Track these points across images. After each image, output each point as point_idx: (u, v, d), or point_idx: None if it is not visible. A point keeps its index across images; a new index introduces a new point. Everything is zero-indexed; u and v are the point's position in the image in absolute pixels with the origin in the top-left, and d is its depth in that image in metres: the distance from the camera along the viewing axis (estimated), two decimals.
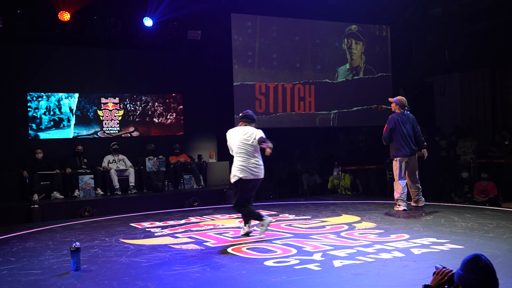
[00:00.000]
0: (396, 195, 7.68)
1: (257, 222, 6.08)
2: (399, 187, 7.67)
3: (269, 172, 12.65)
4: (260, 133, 5.98)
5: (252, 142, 5.93)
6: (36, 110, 10.81)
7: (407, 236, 5.65)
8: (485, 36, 11.76)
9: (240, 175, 5.91)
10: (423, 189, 8.10)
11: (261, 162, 6.05)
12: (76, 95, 11.20)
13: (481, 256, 2.22)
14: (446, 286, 2.28)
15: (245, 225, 6.19)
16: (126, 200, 10.06)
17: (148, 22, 10.86)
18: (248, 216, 6.12)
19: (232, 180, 6.04)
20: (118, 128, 11.60)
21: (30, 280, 4.44)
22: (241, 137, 5.98)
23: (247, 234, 6.10)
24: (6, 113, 10.56)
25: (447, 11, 12.72)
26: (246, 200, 6.01)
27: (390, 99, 7.99)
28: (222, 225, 7.08)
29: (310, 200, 9.68)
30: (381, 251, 4.95)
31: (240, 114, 6.26)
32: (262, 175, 6.06)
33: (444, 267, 2.36)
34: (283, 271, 4.35)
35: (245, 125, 6.10)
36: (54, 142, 10.88)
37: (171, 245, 5.70)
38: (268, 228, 6.06)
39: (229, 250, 5.32)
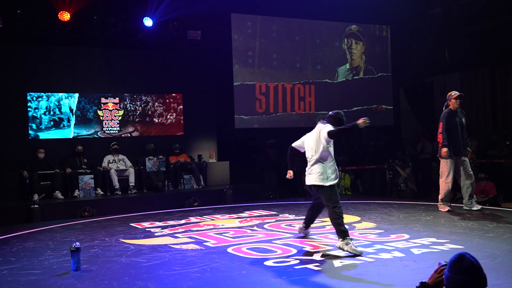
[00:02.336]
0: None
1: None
2: None
3: (270, 171, 12.79)
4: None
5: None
6: (36, 110, 10.81)
7: (407, 236, 5.66)
8: (485, 36, 11.76)
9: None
10: (425, 189, 8.09)
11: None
12: (76, 95, 11.20)
13: (465, 255, 2.17)
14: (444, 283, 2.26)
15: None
16: (126, 200, 10.05)
17: (148, 22, 10.86)
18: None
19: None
20: (118, 128, 11.60)
21: (30, 280, 4.44)
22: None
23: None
24: (6, 113, 10.55)
25: (447, 11, 12.72)
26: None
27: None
28: (222, 225, 7.08)
29: (310, 200, 9.65)
30: (381, 251, 4.95)
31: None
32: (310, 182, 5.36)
33: (446, 264, 2.34)
34: (283, 271, 4.35)
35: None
36: (54, 142, 10.87)
37: (171, 245, 5.70)
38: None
39: (229, 250, 5.32)
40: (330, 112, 5.56)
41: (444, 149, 7.36)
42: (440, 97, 13.68)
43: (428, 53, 13.17)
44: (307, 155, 5.43)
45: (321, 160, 5.28)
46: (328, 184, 5.22)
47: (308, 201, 9.53)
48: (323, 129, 5.31)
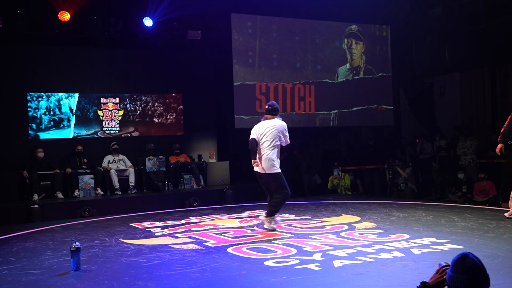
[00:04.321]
0: None
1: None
2: None
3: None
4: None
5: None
6: (36, 110, 10.81)
7: (407, 236, 5.66)
8: (485, 36, 11.76)
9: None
10: (427, 189, 7.94)
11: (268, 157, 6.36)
12: (76, 95, 11.20)
13: (468, 254, 2.18)
14: (446, 283, 2.26)
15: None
16: (126, 200, 10.05)
17: (148, 22, 10.86)
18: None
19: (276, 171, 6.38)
20: (118, 128, 11.60)
21: (30, 280, 4.44)
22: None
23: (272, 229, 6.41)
24: (6, 113, 10.55)
25: (447, 11, 12.72)
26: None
27: None
28: (222, 225, 7.08)
29: (310, 200, 9.68)
30: (381, 251, 4.95)
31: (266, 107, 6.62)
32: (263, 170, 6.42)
33: (447, 265, 2.34)
34: (283, 271, 4.34)
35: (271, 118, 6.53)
36: (54, 142, 10.88)
37: (171, 245, 5.70)
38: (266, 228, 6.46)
39: (229, 250, 5.32)
40: (270, 105, 6.59)
41: (499, 146, 6.45)
42: (440, 97, 13.71)
43: (428, 53, 13.16)
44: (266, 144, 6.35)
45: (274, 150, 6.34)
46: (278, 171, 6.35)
47: (308, 201, 9.56)
48: (284, 129, 6.42)
